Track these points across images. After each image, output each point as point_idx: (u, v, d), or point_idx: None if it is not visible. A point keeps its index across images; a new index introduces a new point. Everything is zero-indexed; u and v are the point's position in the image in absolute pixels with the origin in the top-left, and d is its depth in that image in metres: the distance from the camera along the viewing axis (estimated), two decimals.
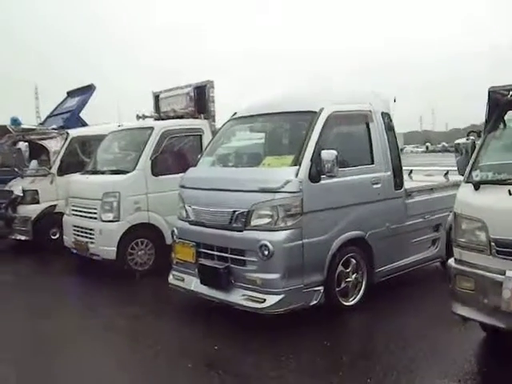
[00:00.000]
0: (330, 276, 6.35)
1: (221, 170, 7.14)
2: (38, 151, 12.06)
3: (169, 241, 8.55)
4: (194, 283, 6.74)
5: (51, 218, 11.13)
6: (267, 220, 6.06)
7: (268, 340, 5.86)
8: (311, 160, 6.13)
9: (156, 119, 10.28)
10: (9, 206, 11.47)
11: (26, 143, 11.80)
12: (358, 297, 6.72)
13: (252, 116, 7.36)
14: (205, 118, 9.66)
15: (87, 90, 13.90)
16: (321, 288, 6.22)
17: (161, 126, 9.07)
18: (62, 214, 10.76)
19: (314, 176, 6.14)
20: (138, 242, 8.71)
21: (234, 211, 6.24)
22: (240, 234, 6.20)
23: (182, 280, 6.96)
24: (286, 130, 7.21)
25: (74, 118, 13.38)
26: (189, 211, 6.87)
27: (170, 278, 7.19)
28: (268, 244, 5.90)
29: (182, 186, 7.17)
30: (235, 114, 7.62)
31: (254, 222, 6.13)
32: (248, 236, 6.13)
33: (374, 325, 6.43)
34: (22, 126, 11.78)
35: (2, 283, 9.12)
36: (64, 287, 8.95)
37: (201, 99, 9.81)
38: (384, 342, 5.72)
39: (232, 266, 6.25)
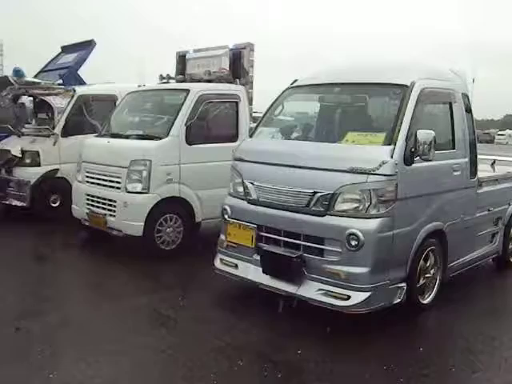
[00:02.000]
0: (412, 271, 5.63)
1: (292, 144, 6.27)
2: (40, 108, 10.92)
3: (199, 218, 7.75)
4: (252, 271, 5.91)
5: (52, 184, 10.11)
6: (356, 205, 5.26)
7: (357, 343, 5.11)
8: (406, 140, 5.33)
9: (179, 81, 9.27)
10: (3, 167, 10.32)
11: (31, 98, 10.67)
12: (433, 294, 6.07)
13: (322, 85, 6.49)
14: (241, 84, 8.69)
15: (86, 46, 12.73)
16: (404, 284, 5.52)
17: (198, 88, 8.10)
18: (64, 179, 9.86)
19: (408, 158, 5.38)
20: (166, 218, 7.73)
21: (315, 192, 5.41)
22: (320, 220, 5.38)
23: (235, 266, 6.11)
24: (369, 104, 6.35)
25: (71, 75, 12.20)
26: (249, 188, 6.00)
27: (217, 263, 6.34)
28: (358, 233, 5.12)
29: (239, 159, 6.26)
30: (295, 81, 6.75)
31: (340, 206, 5.33)
32: (331, 222, 5.32)
33: (459, 326, 5.82)
34: (26, 79, 10.56)
35: None
36: (79, 266, 7.94)
37: (237, 63, 8.84)
38: (480, 344, 5.26)
39: (306, 255, 5.44)
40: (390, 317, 5.43)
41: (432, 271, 5.98)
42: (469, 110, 6.56)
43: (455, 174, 6.18)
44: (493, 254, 7.52)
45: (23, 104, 11.21)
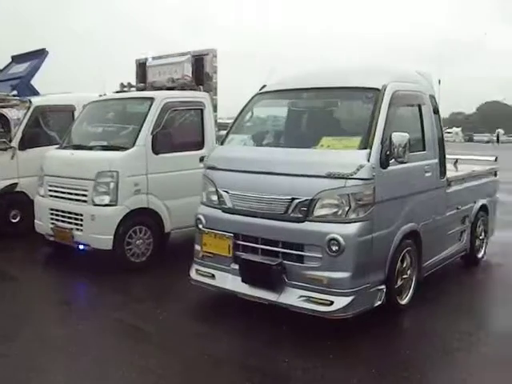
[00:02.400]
0: (391, 273, 5.68)
1: (266, 150, 6.21)
2: None
3: (168, 228, 7.64)
4: (229, 281, 5.84)
5: (11, 199, 9.79)
6: (335, 210, 5.24)
7: (341, 348, 5.09)
8: (381, 143, 5.36)
9: (140, 90, 9.13)
10: None
11: None
12: (410, 295, 6.13)
13: (291, 90, 6.47)
14: (205, 91, 8.60)
15: (39, 55, 12.36)
16: (383, 287, 5.56)
17: (163, 96, 7.96)
18: (24, 193, 9.59)
19: (384, 161, 5.41)
20: (135, 230, 7.58)
21: (293, 198, 5.38)
22: (300, 226, 5.36)
23: (212, 276, 6.03)
24: (341, 108, 6.35)
25: (24, 86, 11.84)
26: (224, 197, 5.93)
27: (193, 274, 6.24)
28: (338, 238, 5.11)
29: (212, 167, 6.18)
30: (264, 86, 6.71)
31: (319, 211, 5.31)
32: (311, 228, 5.30)
33: (436, 324, 5.86)
34: None
35: None
36: (46, 283, 7.71)
37: (200, 69, 8.75)
38: (457, 342, 5.35)
39: (286, 262, 5.41)
40: (369, 319, 5.43)
41: (409, 272, 6.03)
42: (436, 112, 6.66)
43: (427, 174, 6.27)
44: (461, 251, 7.63)
45: None
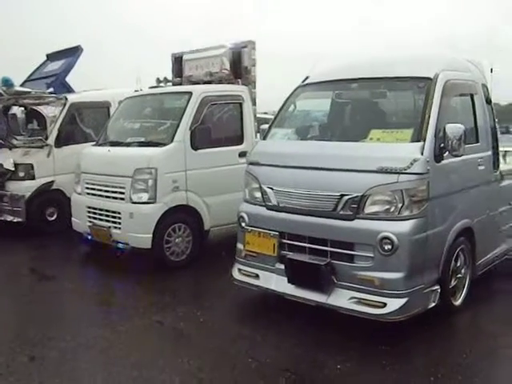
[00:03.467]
0: (445, 272, 5.37)
1: (311, 144, 5.94)
2: (30, 118, 10.53)
3: (208, 226, 7.43)
4: (275, 281, 5.60)
5: (48, 197, 9.71)
6: (387, 207, 4.96)
7: (397, 353, 4.81)
8: (435, 135, 5.05)
9: (176, 84, 8.94)
10: None
11: (22, 108, 10.26)
12: (463, 295, 5.80)
13: (338, 81, 6.18)
14: (243, 84, 8.36)
15: (73, 53, 12.32)
16: (438, 287, 5.26)
17: (200, 90, 7.74)
18: (60, 191, 9.49)
19: (438, 154, 5.11)
20: (174, 228, 7.38)
21: (342, 195, 5.10)
22: (349, 224, 5.08)
23: (256, 276, 5.79)
24: (390, 99, 6.05)
25: (59, 83, 11.80)
26: (268, 193, 5.68)
27: (236, 274, 6.02)
28: (391, 236, 4.83)
29: (255, 163, 5.94)
30: (307, 78, 6.44)
31: (370, 208, 5.03)
32: (361, 226, 5.02)
33: (492, 326, 5.54)
34: (16, 89, 10.13)
35: None
36: (85, 283, 7.61)
37: (238, 62, 8.50)
38: None
39: (335, 262, 5.13)
40: (423, 322, 5.14)
41: (463, 271, 5.73)
42: (489, 101, 6.34)
43: (480, 168, 5.96)
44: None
45: (14, 115, 10.79)
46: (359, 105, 6.31)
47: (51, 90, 10.76)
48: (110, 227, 7.49)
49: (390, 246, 4.84)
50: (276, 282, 5.57)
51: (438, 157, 5.09)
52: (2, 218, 9.80)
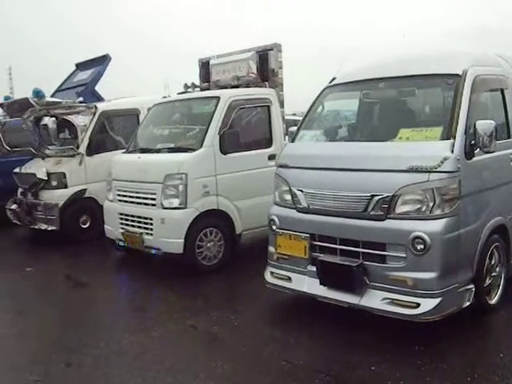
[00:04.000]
0: (479, 271, 5.28)
1: (340, 145, 5.92)
2: (61, 128, 10.70)
3: (239, 229, 7.45)
4: (307, 283, 5.59)
5: (81, 205, 9.84)
6: (418, 206, 4.91)
7: (429, 354, 4.76)
8: (465, 133, 4.99)
9: (204, 89, 8.99)
10: (29, 192, 10.07)
11: (54, 118, 10.43)
12: (499, 294, 5.70)
13: (365, 81, 6.14)
14: (270, 87, 8.37)
15: (102, 62, 12.52)
16: (472, 286, 5.17)
17: (228, 95, 7.78)
18: (93, 199, 9.61)
19: (469, 151, 5.04)
20: (206, 233, 7.42)
21: (372, 195, 5.07)
22: (380, 224, 5.05)
23: (288, 279, 5.79)
24: (418, 97, 5.99)
25: (88, 92, 11.99)
26: (298, 196, 5.68)
27: (268, 277, 6.03)
28: (424, 236, 4.78)
29: (284, 166, 5.94)
30: (333, 79, 6.42)
31: (400, 208, 4.99)
32: (393, 226, 4.98)
33: None
34: (46, 99, 10.31)
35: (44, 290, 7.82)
36: (119, 288, 7.75)
37: (265, 65, 8.52)
38: None
39: (366, 263, 5.10)
40: (458, 321, 5.09)
41: (497, 269, 5.63)
42: None
43: None
44: None
45: (46, 125, 11.00)
46: (387, 104, 6.27)
47: (81, 99, 10.91)
48: (142, 233, 7.55)
49: (422, 246, 4.79)
50: (308, 284, 5.56)
51: (468, 154, 5.02)
52: (37, 227, 9.97)
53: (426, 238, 4.77)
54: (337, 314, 5.42)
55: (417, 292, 4.84)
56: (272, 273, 5.99)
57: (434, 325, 4.85)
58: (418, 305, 4.82)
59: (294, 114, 14.21)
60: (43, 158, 10.28)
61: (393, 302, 4.95)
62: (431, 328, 4.92)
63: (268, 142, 8.09)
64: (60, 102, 10.43)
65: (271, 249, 5.99)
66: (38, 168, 9.98)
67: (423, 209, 4.90)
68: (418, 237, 4.80)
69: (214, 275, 7.37)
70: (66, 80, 13.31)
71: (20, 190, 10.58)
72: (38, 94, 10.06)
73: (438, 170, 4.83)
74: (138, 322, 6.06)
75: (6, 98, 11.77)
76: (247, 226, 7.70)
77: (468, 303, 5.09)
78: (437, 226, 4.84)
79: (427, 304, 4.80)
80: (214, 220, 7.52)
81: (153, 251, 7.49)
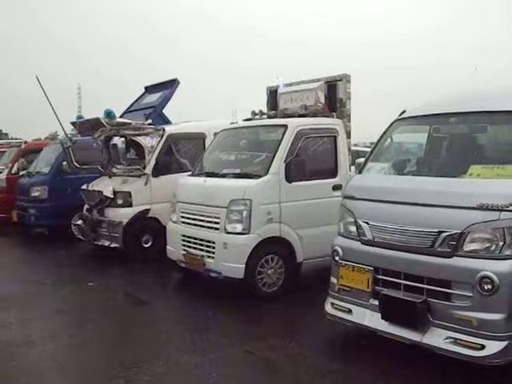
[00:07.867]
0: None
1: (408, 180, 5.87)
2: (129, 148, 10.99)
3: (300, 258, 7.44)
4: (368, 317, 5.52)
5: (144, 224, 10.04)
6: (487, 245, 4.81)
7: None
8: None
9: (271, 117, 9.09)
10: (95, 208, 10.34)
11: (123, 139, 10.73)
12: None
13: (436, 115, 6.09)
14: (338, 117, 8.40)
15: (170, 85, 12.78)
16: None
17: (296, 124, 7.84)
18: (155, 219, 9.78)
19: None
20: (267, 259, 7.45)
21: (440, 232, 5.00)
22: (447, 261, 4.96)
23: (349, 311, 5.74)
24: (490, 134, 5.91)
25: (156, 114, 12.24)
26: (363, 228, 5.65)
27: (328, 308, 5.98)
28: (492, 276, 4.66)
29: (350, 197, 5.93)
30: (403, 112, 6.39)
31: (469, 246, 4.89)
32: (460, 264, 4.89)
33: None
34: (117, 120, 10.61)
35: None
36: (178, 309, 7.78)
37: (332, 96, 8.57)
38: None
39: (431, 299, 5.01)
40: None
41: None
42: None
43: None
44: None
45: (115, 145, 11.31)
46: (458, 139, 6.18)
47: (150, 121, 11.15)
48: (203, 256, 7.65)
49: (490, 286, 4.68)
50: (369, 318, 5.50)
51: None
52: (100, 243, 10.21)
53: (495, 278, 4.66)
54: (398, 350, 5.32)
55: (482, 333, 4.71)
56: (333, 304, 5.96)
57: (498, 370, 4.72)
58: (483, 346, 4.69)
59: (356, 145, 14.16)
60: (110, 177, 10.56)
61: (456, 341, 4.84)
62: (497, 372, 4.77)
63: (333, 172, 8.09)
64: (130, 123, 10.71)
65: (333, 280, 5.97)
66: (105, 186, 10.26)
67: (492, 248, 4.79)
68: (486, 276, 4.69)
69: (273, 302, 7.37)
70: (135, 102, 13.63)
71: (86, 206, 10.86)
72: (109, 114, 10.35)
73: (510, 208, 4.73)
74: (196, 344, 6.11)
75: (79, 117, 12.17)
76: (308, 254, 7.69)
77: None
78: (506, 266, 4.72)
79: (492, 347, 4.66)
80: (275, 247, 7.55)
81: (213, 274, 7.56)
